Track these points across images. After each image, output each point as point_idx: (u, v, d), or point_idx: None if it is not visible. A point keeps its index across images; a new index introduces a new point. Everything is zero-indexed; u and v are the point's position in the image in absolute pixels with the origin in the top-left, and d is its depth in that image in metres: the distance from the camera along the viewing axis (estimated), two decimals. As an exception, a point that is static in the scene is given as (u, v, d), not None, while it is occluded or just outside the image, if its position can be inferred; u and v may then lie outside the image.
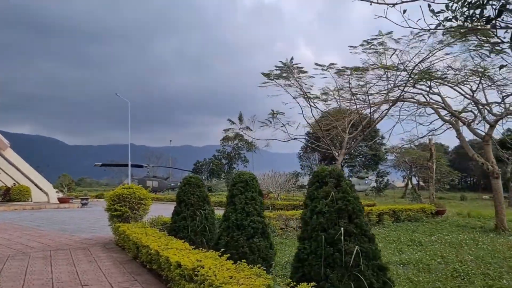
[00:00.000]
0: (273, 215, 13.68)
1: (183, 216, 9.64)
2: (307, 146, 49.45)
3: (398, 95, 18.17)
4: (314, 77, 14.93)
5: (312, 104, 16.08)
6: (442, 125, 19.90)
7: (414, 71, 15.21)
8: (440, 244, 11.84)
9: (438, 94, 18.00)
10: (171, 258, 5.72)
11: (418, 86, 17.95)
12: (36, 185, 33.75)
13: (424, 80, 15.63)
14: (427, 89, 18.15)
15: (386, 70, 16.92)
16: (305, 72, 13.06)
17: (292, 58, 13.66)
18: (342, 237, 4.72)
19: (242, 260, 5.30)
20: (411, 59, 14.95)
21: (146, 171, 54.95)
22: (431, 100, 18.75)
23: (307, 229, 5.15)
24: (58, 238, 11.72)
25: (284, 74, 13.86)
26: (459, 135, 18.22)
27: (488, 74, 15.53)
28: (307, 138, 48.95)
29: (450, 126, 18.96)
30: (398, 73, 16.60)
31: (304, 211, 5.42)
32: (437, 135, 21.66)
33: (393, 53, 15.26)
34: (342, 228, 4.79)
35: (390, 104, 17.66)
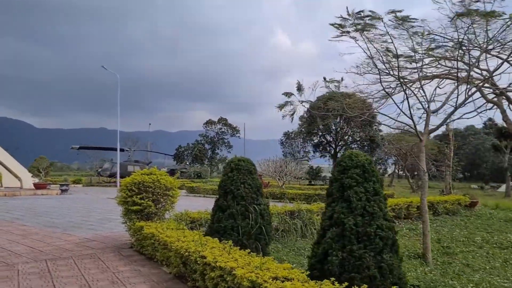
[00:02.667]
0: (315, 208, 11.22)
1: (230, 213, 7.07)
2: (301, 131, 47.19)
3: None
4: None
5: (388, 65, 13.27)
6: (482, 105, 17.75)
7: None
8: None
9: (487, 70, 15.77)
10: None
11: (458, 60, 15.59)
12: (7, 168, 30.22)
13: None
14: (472, 62, 15.88)
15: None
16: (372, 25, 10.30)
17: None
18: None
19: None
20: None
21: (128, 155, 51.52)
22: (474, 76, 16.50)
23: None
24: (49, 238, 8.92)
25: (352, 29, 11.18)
26: (505, 117, 16.12)
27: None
28: (300, 122, 46.77)
29: (491, 106, 16.84)
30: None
31: None
32: (468, 118, 19.53)
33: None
34: None
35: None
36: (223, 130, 67.86)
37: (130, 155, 51.91)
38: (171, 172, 52.25)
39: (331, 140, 45.54)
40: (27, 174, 30.35)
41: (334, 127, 44.21)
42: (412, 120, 8.24)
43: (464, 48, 11.65)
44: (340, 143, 45.31)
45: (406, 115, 8.36)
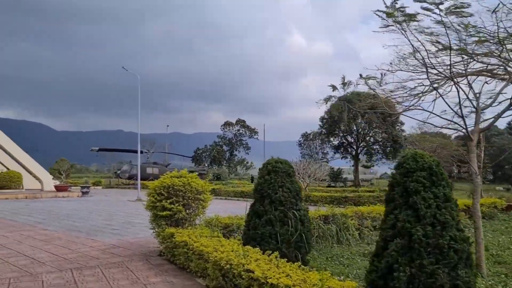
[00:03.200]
0: (349, 212, 10.58)
1: (268, 219, 6.52)
2: (321, 132, 46.39)
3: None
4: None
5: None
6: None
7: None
8: None
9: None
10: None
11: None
12: (28, 170, 30.26)
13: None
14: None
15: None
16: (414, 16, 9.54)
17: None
18: None
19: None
20: None
21: (146, 157, 51.41)
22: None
23: None
24: (73, 243, 8.50)
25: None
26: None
27: None
28: (320, 124, 46.04)
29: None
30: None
31: None
32: (504, 117, 18.62)
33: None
34: None
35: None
36: (241, 131, 67.44)
37: (149, 157, 51.82)
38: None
39: (352, 141, 44.67)
40: (48, 176, 30.35)
41: (355, 128, 43.37)
42: (463, 118, 7.56)
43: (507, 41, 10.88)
44: (361, 144, 44.43)
45: (456, 113, 7.68)
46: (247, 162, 66.65)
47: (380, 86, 9.78)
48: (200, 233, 6.51)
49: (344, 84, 11.80)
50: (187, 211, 7.18)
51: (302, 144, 66.46)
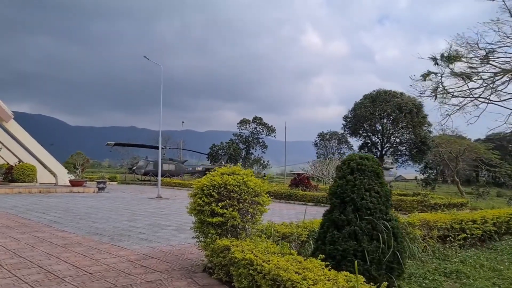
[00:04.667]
0: (416, 220, 8.97)
1: (352, 232, 5.02)
2: (344, 131, 44.59)
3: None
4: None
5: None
6: None
7: None
8: None
9: None
10: None
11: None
12: (43, 164, 29.13)
13: None
14: None
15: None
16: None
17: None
18: None
19: None
20: None
21: (163, 153, 50.17)
22: None
23: None
24: (96, 251, 7.06)
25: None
26: None
27: None
28: (344, 123, 44.25)
29: None
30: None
31: None
32: None
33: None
34: None
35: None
36: (258, 129, 65.86)
37: (165, 153, 50.57)
38: (204, 172, 50.63)
39: (377, 141, 42.83)
40: (63, 171, 29.18)
41: (380, 128, 41.52)
42: None
43: None
44: (386, 145, 42.56)
45: None
46: (264, 161, 65.10)
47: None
48: (264, 247, 5.01)
49: (448, 58, 9.98)
50: (244, 217, 5.68)
51: (318, 144, 64.88)
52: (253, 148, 65.98)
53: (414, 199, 18.18)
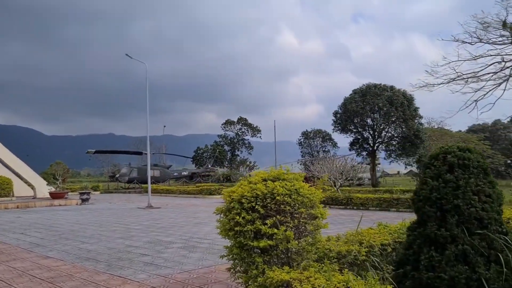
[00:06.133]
0: None
1: (459, 253, 3.63)
2: (334, 127, 43.38)
3: None
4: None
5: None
6: None
7: None
8: None
9: None
10: None
11: None
12: (19, 176, 27.01)
13: None
14: None
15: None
16: None
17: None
18: None
19: None
20: None
21: (145, 159, 48.17)
22: None
23: None
24: (94, 287, 5.48)
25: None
26: None
27: None
28: (333, 119, 43.08)
29: None
30: None
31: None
32: None
33: None
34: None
35: None
36: (243, 130, 64.26)
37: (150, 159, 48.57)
38: (191, 177, 48.52)
39: (368, 136, 41.77)
40: (42, 182, 27.11)
41: (371, 123, 40.50)
42: None
43: None
44: (378, 140, 41.56)
45: None
46: (250, 162, 63.49)
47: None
48: (342, 281, 3.55)
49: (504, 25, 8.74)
50: (300, 238, 4.21)
51: (303, 143, 63.81)
52: (238, 150, 64.38)
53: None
